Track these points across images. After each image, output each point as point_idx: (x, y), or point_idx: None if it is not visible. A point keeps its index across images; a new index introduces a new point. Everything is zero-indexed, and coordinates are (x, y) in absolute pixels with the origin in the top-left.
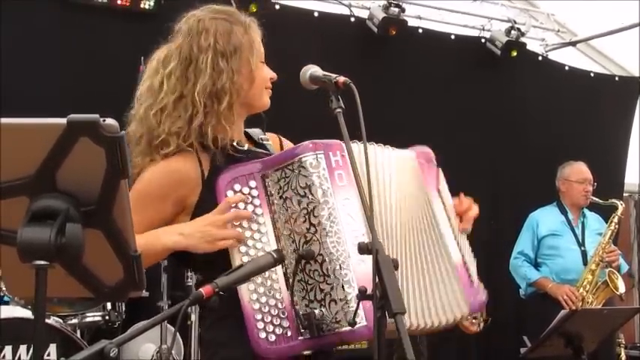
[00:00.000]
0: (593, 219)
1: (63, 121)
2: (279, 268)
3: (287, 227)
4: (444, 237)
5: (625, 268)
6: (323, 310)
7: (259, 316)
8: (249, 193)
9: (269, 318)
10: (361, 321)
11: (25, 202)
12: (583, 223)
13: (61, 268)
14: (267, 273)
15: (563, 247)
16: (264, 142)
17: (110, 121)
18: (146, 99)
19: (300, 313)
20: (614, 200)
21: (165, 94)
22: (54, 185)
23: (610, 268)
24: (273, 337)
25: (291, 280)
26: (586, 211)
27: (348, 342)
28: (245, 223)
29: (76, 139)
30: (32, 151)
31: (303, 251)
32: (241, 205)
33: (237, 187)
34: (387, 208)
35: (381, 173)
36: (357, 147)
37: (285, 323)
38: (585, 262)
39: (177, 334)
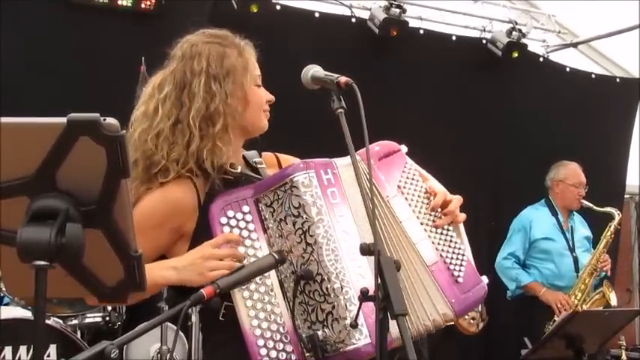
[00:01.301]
0: (578, 221)
1: (63, 120)
2: (278, 292)
3: (284, 249)
4: (408, 237)
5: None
6: (326, 330)
7: (262, 342)
8: (242, 219)
9: (272, 344)
10: (365, 338)
11: (25, 202)
12: (572, 227)
13: (61, 268)
14: (266, 298)
15: (556, 252)
16: (258, 167)
17: (110, 120)
18: (140, 123)
19: (304, 335)
20: (610, 209)
21: (161, 119)
22: (54, 185)
23: (607, 281)
24: None
25: (291, 303)
26: (573, 212)
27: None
28: (242, 249)
29: (76, 138)
30: (32, 150)
31: (301, 272)
32: (236, 231)
33: (230, 213)
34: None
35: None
36: None
37: (289, 348)
38: (577, 269)
39: (182, 335)
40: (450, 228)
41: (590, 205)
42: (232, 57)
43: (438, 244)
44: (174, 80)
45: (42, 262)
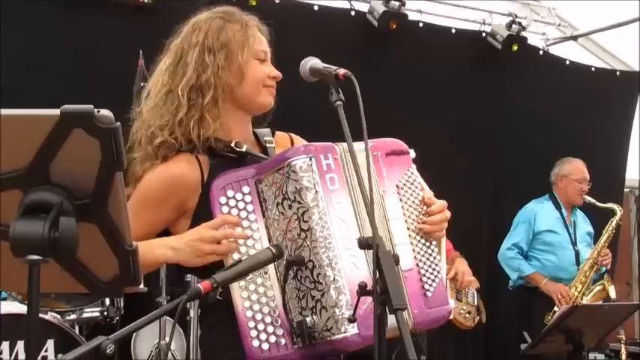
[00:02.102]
0: (581, 217)
1: (56, 111)
2: (273, 275)
3: (280, 233)
4: (392, 237)
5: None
6: (314, 317)
7: (252, 324)
8: (242, 199)
9: (262, 326)
10: (352, 329)
11: (18, 196)
12: (574, 222)
13: (55, 263)
14: (259, 281)
15: (559, 245)
16: (268, 146)
17: (104, 112)
18: (145, 100)
19: (294, 321)
20: (613, 205)
21: (159, 91)
22: (47, 178)
23: (607, 275)
24: (266, 346)
25: (282, 289)
26: (576, 208)
27: (340, 351)
28: (239, 229)
29: (70, 130)
30: (25, 142)
31: (293, 257)
32: (234, 212)
33: (230, 192)
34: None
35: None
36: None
37: (279, 331)
38: (578, 262)
39: (180, 330)
40: (434, 242)
41: (593, 200)
42: (231, 31)
43: (418, 253)
44: (174, 53)
45: (35, 257)
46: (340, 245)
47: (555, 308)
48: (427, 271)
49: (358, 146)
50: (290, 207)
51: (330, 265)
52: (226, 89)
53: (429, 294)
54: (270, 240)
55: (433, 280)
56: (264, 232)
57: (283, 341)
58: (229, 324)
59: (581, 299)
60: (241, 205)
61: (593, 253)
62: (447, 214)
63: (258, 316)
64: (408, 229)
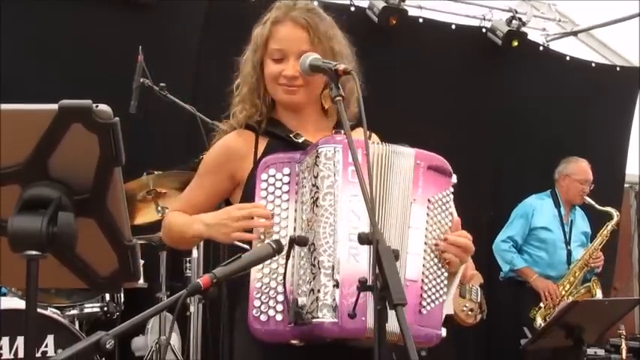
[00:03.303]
0: (579, 216)
1: (54, 106)
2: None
3: (304, 216)
4: (405, 244)
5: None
6: (304, 298)
7: (258, 295)
8: (280, 179)
9: (266, 298)
10: (332, 317)
11: (17, 191)
12: (572, 221)
13: (54, 258)
14: (277, 256)
15: (552, 243)
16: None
17: (103, 107)
18: None
19: (290, 298)
20: (610, 209)
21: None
22: (46, 173)
23: (595, 277)
24: (264, 318)
25: (283, 266)
26: (575, 206)
27: (319, 337)
28: (270, 206)
29: (68, 125)
30: (24, 137)
31: (296, 237)
32: (271, 189)
33: (271, 171)
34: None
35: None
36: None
37: (279, 307)
38: (569, 262)
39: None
40: (446, 267)
41: (592, 202)
42: (260, 29)
43: (427, 269)
44: None
45: (33, 252)
46: (344, 235)
47: (541, 304)
48: (430, 289)
49: (402, 149)
50: (311, 191)
51: (326, 251)
52: (261, 86)
53: (424, 311)
54: (296, 222)
55: (432, 301)
56: (292, 213)
57: (280, 317)
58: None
59: (567, 298)
60: (278, 184)
61: (585, 255)
62: (470, 244)
63: (265, 289)
64: (426, 243)
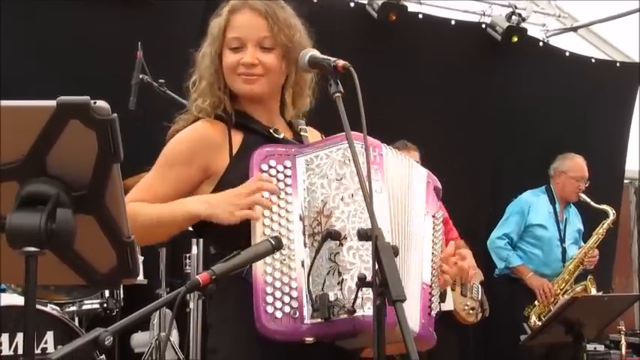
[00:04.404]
0: (573, 214)
1: (52, 103)
2: (299, 247)
3: (315, 209)
4: (423, 250)
5: None
6: (338, 293)
7: (270, 290)
8: (282, 172)
9: (279, 294)
10: (368, 310)
11: (15, 187)
12: (566, 219)
13: (53, 255)
14: (285, 250)
15: (547, 241)
16: (302, 134)
17: (101, 103)
18: None
19: (313, 294)
20: (607, 207)
21: None
22: (44, 170)
23: (591, 276)
24: (279, 314)
25: (311, 259)
26: (570, 204)
27: (357, 332)
28: (274, 198)
29: (66, 121)
30: (21, 134)
31: (332, 230)
32: (273, 181)
33: (272, 162)
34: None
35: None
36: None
37: (295, 304)
38: (564, 260)
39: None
40: (438, 287)
41: (588, 200)
42: (216, 18)
43: (434, 276)
44: None
45: (32, 249)
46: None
47: (536, 302)
48: (434, 295)
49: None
50: (334, 187)
51: (363, 245)
52: (220, 79)
53: (432, 313)
54: (302, 214)
55: (436, 306)
56: (298, 206)
57: (297, 314)
58: (239, 294)
59: (562, 297)
60: (281, 176)
61: (580, 253)
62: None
63: (277, 284)
64: (433, 254)
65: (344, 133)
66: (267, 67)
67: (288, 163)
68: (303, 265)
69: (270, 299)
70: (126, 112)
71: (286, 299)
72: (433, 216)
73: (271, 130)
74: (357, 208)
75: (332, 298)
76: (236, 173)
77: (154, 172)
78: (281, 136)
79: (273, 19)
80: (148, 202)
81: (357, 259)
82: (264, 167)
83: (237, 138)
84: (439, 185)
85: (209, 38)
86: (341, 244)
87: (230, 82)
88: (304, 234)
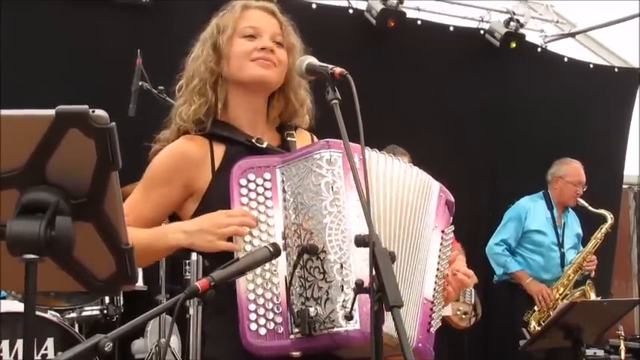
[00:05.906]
0: (572, 218)
1: (51, 112)
2: (282, 262)
3: (295, 222)
4: (427, 264)
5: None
6: (318, 308)
7: (253, 307)
8: (262, 185)
9: (262, 311)
10: (355, 324)
11: (15, 195)
12: (564, 224)
13: (52, 261)
14: (267, 265)
15: (546, 246)
16: (289, 139)
17: (99, 112)
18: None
19: (295, 309)
20: (604, 212)
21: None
22: (44, 178)
23: (589, 281)
24: (263, 331)
25: (290, 275)
26: (568, 208)
27: (339, 346)
28: (255, 213)
29: (66, 130)
30: (21, 142)
31: (306, 245)
32: (253, 195)
33: (251, 176)
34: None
35: (392, 182)
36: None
37: (279, 319)
38: (563, 265)
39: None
40: (442, 303)
41: (586, 204)
42: (221, 19)
43: (437, 291)
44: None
45: (31, 256)
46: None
47: (536, 308)
48: (435, 312)
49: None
50: (311, 198)
51: (341, 258)
52: (216, 74)
53: (432, 330)
54: (284, 228)
55: (436, 324)
56: (279, 219)
57: (282, 329)
58: (230, 311)
59: (561, 301)
60: (260, 190)
61: (579, 258)
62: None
63: (260, 301)
64: (438, 269)
65: (322, 141)
66: (280, 59)
67: (267, 176)
68: (286, 280)
69: (253, 316)
70: (125, 118)
71: (270, 315)
72: (442, 231)
73: (254, 140)
74: (333, 220)
75: (312, 313)
76: (218, 189)
77: (137, 191)
78: (264, 145)
79: (283, 23)
80: (132, 220)
81: (335, 273)
82: (243, 182)
83: (219, 151)
84: (452, 199)
85: (214, 30)
86: (319, 258)
87: (240, 69)
88: (285, 249)
